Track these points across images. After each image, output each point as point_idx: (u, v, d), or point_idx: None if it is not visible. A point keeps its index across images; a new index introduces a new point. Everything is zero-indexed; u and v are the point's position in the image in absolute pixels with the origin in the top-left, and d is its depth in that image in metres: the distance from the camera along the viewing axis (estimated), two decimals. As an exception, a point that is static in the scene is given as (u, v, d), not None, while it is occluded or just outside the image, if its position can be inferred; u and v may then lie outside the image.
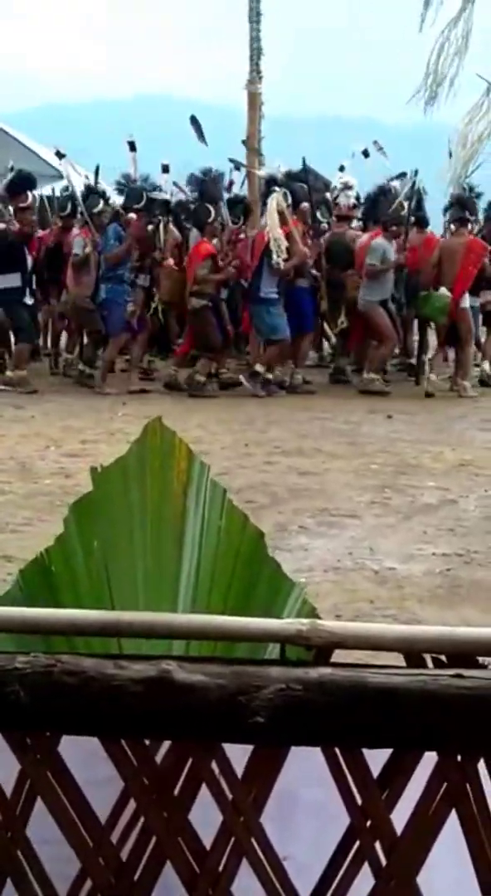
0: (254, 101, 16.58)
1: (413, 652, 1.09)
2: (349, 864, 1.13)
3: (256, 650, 1.24)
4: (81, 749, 1.13)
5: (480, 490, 8.67)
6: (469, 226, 14.18)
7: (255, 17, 17.16)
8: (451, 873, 1.14)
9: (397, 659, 1.11)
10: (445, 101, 2.16)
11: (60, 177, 17.97)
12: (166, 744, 1.12)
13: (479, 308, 14.60)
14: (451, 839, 1.11)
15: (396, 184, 15.64)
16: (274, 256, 13.20)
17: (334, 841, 1.14)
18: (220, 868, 1.13)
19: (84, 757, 1.15)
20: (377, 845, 1.12)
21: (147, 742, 1.12)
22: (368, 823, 1.12)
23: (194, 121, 16.91)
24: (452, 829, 1.11)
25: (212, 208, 13.83)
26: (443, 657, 1.09)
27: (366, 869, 1.13)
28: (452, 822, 1.11)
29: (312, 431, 11.16)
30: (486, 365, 14.71)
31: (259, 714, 1.04)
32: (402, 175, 16.02)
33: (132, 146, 16.30)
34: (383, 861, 1.12)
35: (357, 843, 1.13)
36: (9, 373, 13.97)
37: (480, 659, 1.08)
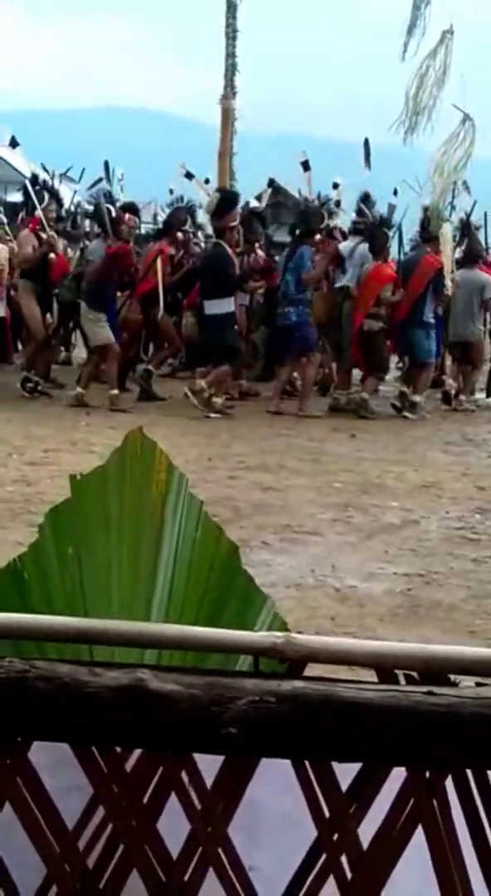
0: (227, 117, 16.67)
1: (386, 668, 1.10)
2: (315, 877, 1.14)
3: (227, 661, 1.24)
4: (51, 755, 1.13)
5: (442, 511, 8.72)
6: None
7: (231, 34, 17.28)
8: (415, 889, 1.15)
9: (369, 674, 1.12)
10: (424, 131, 2.20)
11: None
12: (137, 752, 1.13)
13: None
14: (417, 855, 1.12)
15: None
16: (447, 282, 13.78)
17: (301, 853, 1.15)
18: (187, 878, 1.13)
19: (54, 763, 1.15)
20: (343, 859, 1.13)
21: (118, 750, 1.12)
22: (335, 837, 1.13)
23: (366, 143, 16.73)
24: (418, 845, 1.12)
25: (388, 233, 14.04)
26: (415, 674, 1.10)
27: (331, 882, 1.14)
28: (419, 837, 1.12)
29: (276, 447, 11.18)
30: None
31: (232, 725, 1.05)
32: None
33: (306, 166, 16.08)
34: (349, 875, 1.13)
35: (323, 855, 1.14)
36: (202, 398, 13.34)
37: (452, 677, 1.09)
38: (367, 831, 1.12)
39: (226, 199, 13.90)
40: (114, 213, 13.96)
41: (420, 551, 7.57)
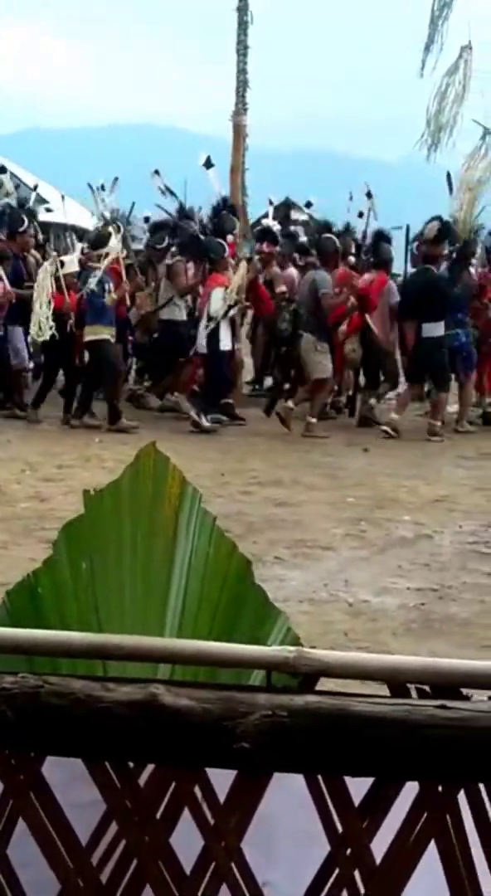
0: (239, 133, 16.71)
1: (398, 682, 1.10)
2: (328, 892, 1.14)
3: (240, 676, 1.24)
4: (65, 770, 1.14)
5: (456, 525, 8.70)
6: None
7: (242, 50, 17.33)
8: (429, 904, 1.15)
9: (381, 689, 1.12)
10: (446, 147, 2.20)
11: (42, 201, 17.97)
12: (150, 767, 1.13)
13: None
14: (430, 870, 1.12)
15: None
16: None
17: (314, 868, 1.15)
18: (200, 893, 1.13)
19: (67, 778, 1.15)
20: (356, 874, 1.13)
21: (131, 765, 1.12)
22: (348, 851, 1.13)
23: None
24: (431, 860, 1.12)
25: None
26: (427, 688, 1.10)
27: (345, 897, 1.13)
28: (432, 852, 1.12)
29: (290, 463, 11.17)
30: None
31: (245, 740, 1.05)
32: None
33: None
34: (362, 889, 1.13)
35: (336, 870, 1.13)
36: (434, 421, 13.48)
37: (464, 690, 1.09)
38: (380, 846, 1.12)
39: (443, 229, 13.83)
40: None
41: (433, 566, 7.56)
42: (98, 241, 13.71)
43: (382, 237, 14.95)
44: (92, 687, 1.07)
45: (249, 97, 16.77)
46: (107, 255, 13.27)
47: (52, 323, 12.84)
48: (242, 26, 17.25)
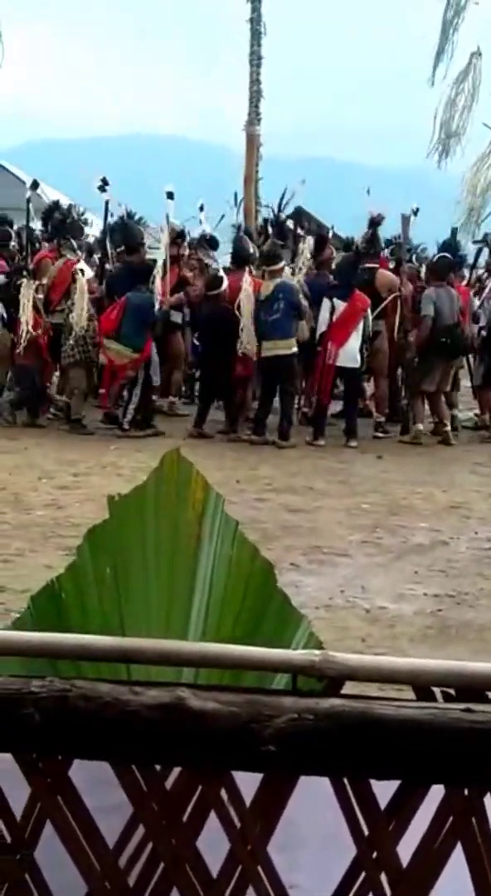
0: (252, 143, 16.73)
1: (423, 685, 1.11)
2: (354, 895, 1.14)
3: (263, 679, 1.25)
4: (92, 774, 1.14)
5: (471, 532, 8.68)
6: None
7: (256, 61, 17.35)
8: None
9: (406, 693, 1.12)
10: (456, 153, 2.20)
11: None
12: (176, 770, 1.13)
13: None
14: (456, 872, 1.12)
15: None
16: None
17: (340, 871, 1.15)
18: (226, 896, 1.14)
19: (95, 782, 1.16)
20: (383, 877, 1.13)
21: (158, 768, 1.13)
22: (375, 855, 1.13)
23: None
24: (457, 863, 1.12)
25: None
26: (452, 691, 1.10)
27: (371, 900, 1.14)
28: (458, 855, 1.12)
29: (303, 469, 11.15)
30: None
31: (271, 742, 1.05)
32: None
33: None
34: (388, 893, 1.13)
35: (363, 874, 1.14)
36: None
37: (490, 694, 1.09)
38: (406, 849, 1.12)
39: None
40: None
41: (450, 572, 7.54)
42: (272, 255, 13.56)
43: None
44: (119, 690, 1.07)
45: (262, 106, 16.79)
46: (282, 269, 13.13)
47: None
48: (256, 37, 17.28)
